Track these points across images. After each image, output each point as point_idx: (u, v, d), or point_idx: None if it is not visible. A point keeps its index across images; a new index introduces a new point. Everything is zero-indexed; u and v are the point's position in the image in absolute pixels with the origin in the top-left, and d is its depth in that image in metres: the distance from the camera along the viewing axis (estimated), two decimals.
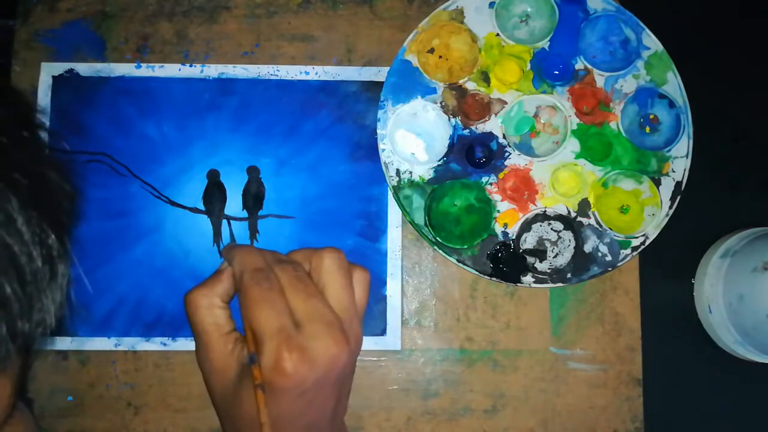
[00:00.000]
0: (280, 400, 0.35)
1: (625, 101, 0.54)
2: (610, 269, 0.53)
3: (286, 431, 0.37)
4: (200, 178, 0.55)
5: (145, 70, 0.56)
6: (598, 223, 0.53)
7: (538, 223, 0.53)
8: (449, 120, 0.54)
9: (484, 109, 0.54)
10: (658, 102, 0.55)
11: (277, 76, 0.56)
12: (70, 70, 0.56)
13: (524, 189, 0.54)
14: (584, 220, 0.53)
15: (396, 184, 0.53)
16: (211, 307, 0.39)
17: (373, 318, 0.53)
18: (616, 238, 0.53)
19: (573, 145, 0.54)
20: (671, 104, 0.54)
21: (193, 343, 0.42)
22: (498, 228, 0.53)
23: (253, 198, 0.55)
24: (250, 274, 0.37)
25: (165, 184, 0.55)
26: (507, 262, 0.53)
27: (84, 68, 0.56)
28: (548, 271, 0.53)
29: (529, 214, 0.53)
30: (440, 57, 0.55)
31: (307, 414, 0.37)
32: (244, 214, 0.55)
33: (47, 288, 0.26)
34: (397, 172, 0.53)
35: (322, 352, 0.35)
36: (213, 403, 0.40)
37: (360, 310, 0.40)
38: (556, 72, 0.55)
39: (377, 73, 0.56)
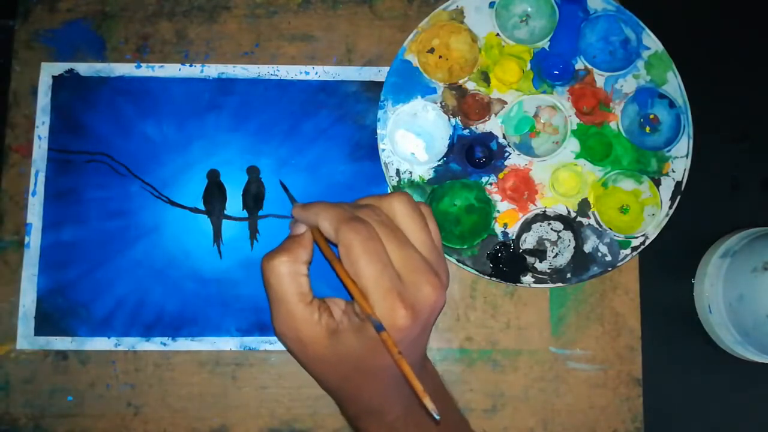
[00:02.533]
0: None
1: (625, 101, 0.54)
2: (610, 269, 0.53)
3: (388, 375, 0.38)
4: (200, 178, 0.55)
5: (145, 70, 0.56)
6: (598, 223, 0.53)
7: (538, 223, 0.53)
8: (449, 120, 0.54)
9: (484, 109, 0.54)
10: (658, 102, 0.55)
11: (277, 76, 0.56)
12: (70, 70, 0.56)
13: (524, 189, 0.54)
14: (584, 220, 0.53)
15: (396, 184, 0.53)
16: (295, 275, 0.38)
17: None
18: (616, 238, 0.53)
19: (573, 145, 0.54)
20: (671, 104, 0.54)
21: (194, 343, 0.41)
22: (498, 228, 0.53)
23: (253, 198, 0.55)
24: (347, 226, 0.36)
25: (165, 184, 0.55)
26: (507, 262, 0.53)
27: (84, 68, 0.56)
28: (548, 271, 0.53)
29: (529, 214, 0.53)
30: (440, 57, 0.55)
31: (414, 349, 0.38)
32: (244, 214, 0.55)
33: None
34: (397, 172, 0.53)
35: (426, 301, 0.36)
36: (307, 368, 0.40)
37: (438, 244, 0.40)
38: (556, 72, 0.55)
39: (377, 73, 0.56)
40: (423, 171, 0.53)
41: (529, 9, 0.56)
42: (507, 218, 0.53)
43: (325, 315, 0.38)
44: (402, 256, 0.36)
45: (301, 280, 0.38)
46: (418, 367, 0.40)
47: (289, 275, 0.38)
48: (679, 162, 0.54)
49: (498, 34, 0.55)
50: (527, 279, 0.52)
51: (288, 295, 0.38)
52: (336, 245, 0.38)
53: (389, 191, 0.54)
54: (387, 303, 0.35)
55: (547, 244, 0.53)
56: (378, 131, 0.54)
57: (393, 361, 0.35)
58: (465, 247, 0.52)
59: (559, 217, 0.53)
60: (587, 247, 0.53)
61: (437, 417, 0.34)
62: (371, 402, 0.39)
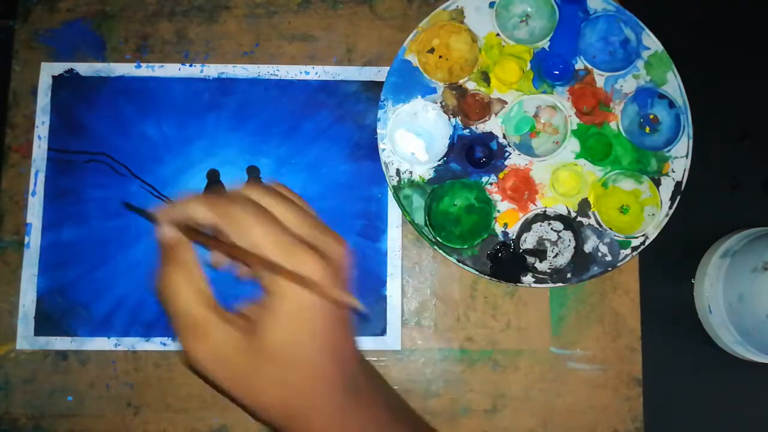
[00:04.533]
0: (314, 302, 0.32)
1: (625, 101, 0.54)
2: (610, 269, 0.53)
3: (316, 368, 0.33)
4: (200, 178, 0.55)
5: (145, 70, 0.56)
6: (598, 223, 0.53)
7: (538, 223, 0.53)
8: (449, 120, 0.54)
9: (484, 109, 0.54)
10: (658, 102, 0.55)
11: (277, 75, 0.56)
12: (70, 70, 0.56)
13: (524, 189, 0.54)
14: (584, 220, 0.53)
15: (396, 184, 0.53)
16: (197, 285, 0.33)
17: (373, 318, 0.53)
18: (616, 238, 0.53)
19: (573, 145, 0.54)
20: (671, 104, 0.54)
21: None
22: (498, 228, 0.53)
23: None
24: (224, 205, 0.33)
25: (165, 184, 0.55)
26: (507, 262, 0.53)
27: (84, 68, 0.56)
28: (548, 271, 0.53)
29: (529, 214, 0.53)
30: (440, 57, 0.55)
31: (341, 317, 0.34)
32: None
33: None
34: (397, 172, 0.53)
35: (332, 252, 0.33)
36: (232, 391, 0.34)
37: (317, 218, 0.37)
38: (556, 72, 0.55)
39: (377, 73, 0.56)
40: (423, 171, 0.53)
41: (529, 9, 0.56)
42: (507, 218, 0.53)
43: (231, 317, 0.34)
44: (294, 215, 0.34)
45: (201, 286, 0.33)
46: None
47: (191, 288, 0.33)
48: (679, 162, 0.54)
49: (498, 34, 0.55)
50: (527, 279, 0.52)
51: (195, 308, 0.33)
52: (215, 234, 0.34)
53: (389, 191, 0.54)
54: (289, 251, 0.32)
55: (547, 244, 0.53)
56: (378, 131, 0.54)
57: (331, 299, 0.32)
58: (465, 247, 0.52)
59: (559, 217, 0.53)
60: (587, 247, 0.53)
61: (364, 310, 0.32)
62: (296, 405, 0.34)
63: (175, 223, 0.35)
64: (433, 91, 0.54)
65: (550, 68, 0.55)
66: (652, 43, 0.55)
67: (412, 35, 0.54)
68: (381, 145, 0.53)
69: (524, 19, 0.56)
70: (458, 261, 0.52)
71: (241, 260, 0.34)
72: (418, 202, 0.53)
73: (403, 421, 0.41)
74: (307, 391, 0.34)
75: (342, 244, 0.35)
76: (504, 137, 0.54)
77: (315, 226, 0.35)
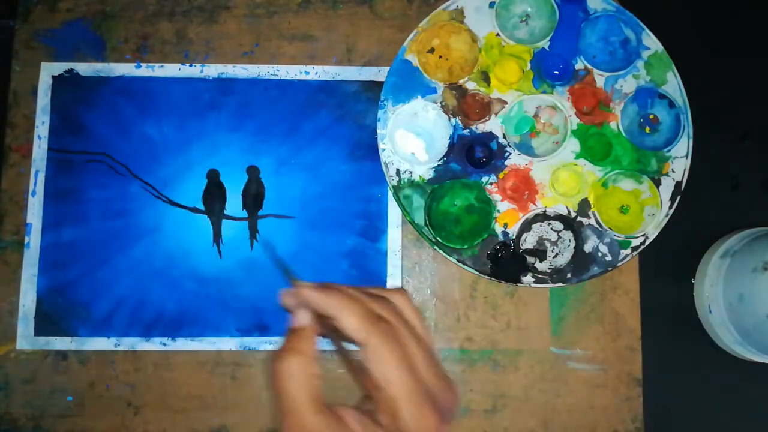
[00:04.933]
0: None
1: (625, 101, 0.54)
2: (610, 269, 0.53)
3: None
4: (200, 178, 0.55)
5: (145, 70, 0.56)
6: (598, 223, 0.53)
7: (538, 223, 0.53)
8: (449, 120, 0.54)
9: (484, 109, 0.54)
10: (658, 102, 0.55)
11: (277, 75, 0.56)
12: (70, 70, 0.56)
13: (524, 189, 0.54)
14: (584, 220, 0.53)
15: (396, 184, 0.53)
16: (309, 378, 0.34)
17: None
18: (616, 238, 0.53)
19: (573, 145, 0.54)
20: (671, 104, 0.54)
21: (194, 343, 0.40)
22: (498, 228, 0.53)
23: (253, 198, 0.55)
24: (375, 328, 0.34)
25: (165, 184, 0.55)
26: (507, 262, 0.53)
27: (84, 68, 0.56)
28: (548, 271, 0.53)
29: (529, 214, 0.53)
30: (440, 57, 0.55)
31: None
32: (244, 214, 0.55)
33: None
34: (397, 172, 0.53)
35: (450, 409, 0.35)
36: None
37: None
38: (556, 72, 0.55)
39: (377, 73, 0.56)
40: (423, 171, 0.53)
41: (529, 9, 0.56)
42: (507, 218, 0.53)
43: (338, 427, 0.34)
44: (424, 358, 0.35)
45: (314, 383, 0.34)
46: None
47: (303, 379, 0.34)
48: (679, 162, 0.54)
49: (498, 34, 0.55)
50: (527, 279, 0.52)
51: (300, 403, 0.34)
52: (351, 341, 0.35)
53: (389, 191, 0.54)
54: (416, 405, 0.33)
55: (547, 244, 0.53)
56: (378, 131, 0.54)
57: None
58: (465, 247, 0.52)
59: (559, 217, 0.53)
60: (587, 247, 0.53)
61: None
62: None
63: (312, 311, 0.36)
64: (433, 91, 0.54)
65: (550, 68, 0.55)
66: (652, 43, 0.55)
67: (412, 35, 0.54)
68: (381, 145, 0.53)
69: (524, 19, 0.56)
70: (458, 261, 0.52)
71: (360, 378, 0.35)
72: (418, 202, 0.53)
73: None
74: None
75: (455, 393, 0.36)
76: (504, 137, 0.54)
77: (437, 372, 0.35)
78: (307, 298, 0.36)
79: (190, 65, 0.56)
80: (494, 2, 0.55)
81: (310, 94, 0.56)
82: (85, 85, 0.56)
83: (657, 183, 0.53)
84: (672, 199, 0.53)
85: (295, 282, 0.37)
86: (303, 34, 0.57)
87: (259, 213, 0.54)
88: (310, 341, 0.36)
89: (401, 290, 0.37)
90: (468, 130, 0.54)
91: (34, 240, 0.53)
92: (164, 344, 0.53)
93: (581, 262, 0.53)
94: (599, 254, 0.53)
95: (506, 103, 0.54)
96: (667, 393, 0.54)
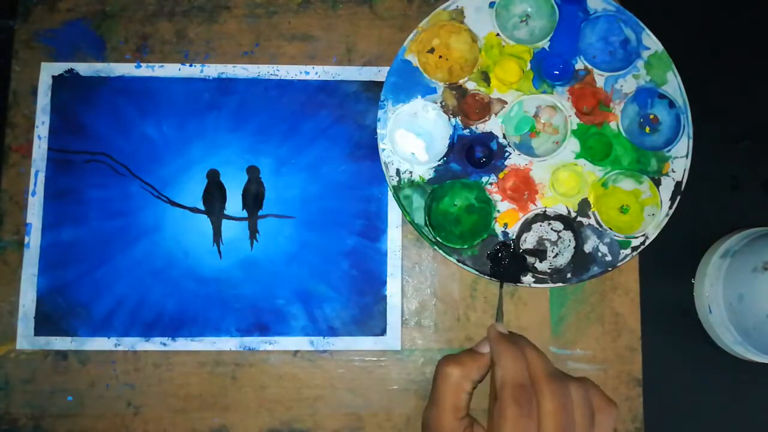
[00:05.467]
0: None
1: (625, 101, 0.54)
2: (610, 269, 0.53)
3: None
4: (200, 178, 0.55)
5: (145, 70, 0.56)
6: (598, 223, 0.53)
7: (538, 223, 0.53)
8: (449, 120, 0.54)
9: (484, 109, 0.54)
10: (658, 102, 0.55)
11: (276, 75, 0.56)
12: (70, 70, 0.56)
13: (524, 189, 0.54)
14: (584, 220, 0.53)
15: (396, 184, 0.53)
16: (459, 389, 0.41)
17: (373, 318, 0.53)
18: (616, 238, 0.53)
19: (573, 145, 0.54)
20: (671, 104, 0.54)
21: (194, 343, 0.42)
22: (498, 228, 0.53)
23: (253, 198, 0.55)
24: (511, 395, 0.38)
25: (165, 184, 0.55)
26: (507, 262, 0.53)
27: (84, 68, 0.56)
28: (548, 271, 0.53)
29: (529, 214, 0.53)
30: (440, 57, 0.55)
31: None
32: (244, 214, 0.55)
33: None
34: (397, 172, 0.53)
35: None
36: None
37: None
38: (556, 72, 0.55)
39: (377, 73, 0.56)
40: (423, 171, 0.53)
41: (529, 9, 0.56)
42: (507, 218, 0.53)
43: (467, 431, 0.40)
44: None
45: (462, 395, 0.41)
46: None
47: (454, 387, 0.40)
48: (679, 162, 0.54)
49: (498, 34, 0.55)
50: (527, 279, 0.52)
51: (445, 402, 0.40)
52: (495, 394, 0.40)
53: (389, 191, 0.54)
54: None
55: (547, 244, 0.53)
56: (378, 131, 0.54)
57: None
58: (465, 247, 0.52)
59: (559, 217, 0.53)
60: (587, 247, 0.53)
61: None
62: None
63: (482, 372, 0.42)
64: (433, 91, 0.54)
65: (550, 68, 0.55)
66: (652, 43, 0.55)
67: (412, 35, 0.54)
68: (381, 145, 0.53)
69: (524, 19, 0.56)
70: (458, 261, 0.52)
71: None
72: (418, 202, 0.53)
73: None
74: None
75: None
76: (504, 137, 0.54)
77: None
78: (489, 334, 0.43)
79: (190, 65, 0.56)
80: (494, 2, 0.55)
81: (310, 94, 0.56)
82: (85, 85, 0.56)
83: (657, 183, 0.53)
84: (672, 199, 0.53)
85: (499, 319, 0.46)
86: (303, 34, 0.57)
87: (259, 213, 0.55)
88: (476, 363, 0.41)
89: (613, 407, 0.39)
90: (468, 130, 0.54)
91: (34, 240, 0.53)
92: (164, 344, 0.53)
93: (581, 262, 0.53)
94: (599, 254, 0.53)
95: (506, 103, 0.54)
96: (667, 393, 0.54)
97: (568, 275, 0.53)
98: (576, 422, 0.38)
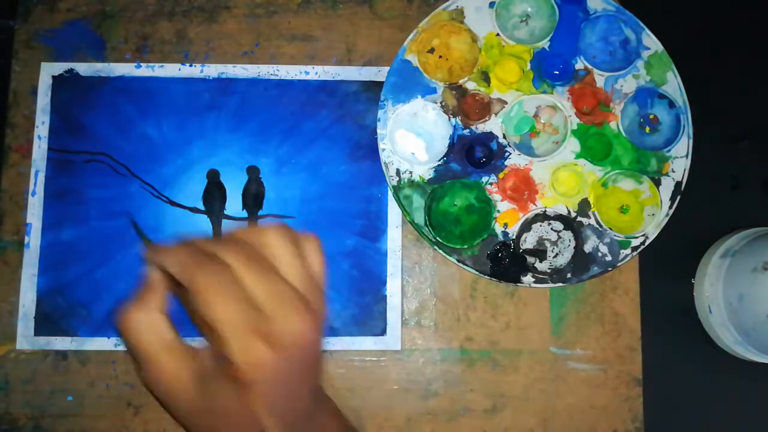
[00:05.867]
0: (259, 389, 0.34)
1: (625, 101, 0.54)
2: (610, 269, 0.53)
3: (273, 415, 0.35)
4: (200, 178, 0.55)
5: (145, 70, 0.56)
6: (598, 223, 0.53)
7: (538, 223, 0.53)
8: (449, 120, 0.54)
9: (484, 109, 0.54)
10: (658, 102, 0.55)
11: (277, 75, 0.56)
12: (70, 70, 0.56)
13: (524, 189, 0.54)
14: (584, 220, 0.53)
15: (396, 184, 0.53)
16: (152, 323, 0.36)
17: (373, 318, 0.53)
18: (616, 238, 0.53)
19: (573, 145, 0.54)
20: (671, 104, 0.54)
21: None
22: (498, 228, 0.53)
23: (253, 198, 0.55)
24: (197, 269, 0.34)
25: (165, 184, 0.55)
26: (507, 262, 0.53)
27: (84, 68, 0.56)
28: (548, 271, 0.53)
29: (529, 214, 0.53)
30: (440, 57, 0.55)
31: (289, 393, 0.36)
32: (244, 214, 0.55)
33: None
34: (397, 172, 0.53)
35: (290, 332, 0.34)
36: (179, 421, 0.37)
37: (319, 277, 0.37)
38: (556, 72, 0.55)
39: (377, 73, 0.56)
40: (423, 171, 0.53)
41: (529, 9, 0.56)
42: (507, 218, 0.53)
43: (193, 362, 0.36)
44: (263, 285, 0.34)
45: (159, 328, 0.35)
46: (301, 414, 0.37)
47: (147, 325, 0.35)
48: (679, 162, 0.54)
49: (498, 34, 0.55)
50: (527, 279, 0.52)
51: (149, 347, 0.35)
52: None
53: (389, 191, 0.54)
54: (241, 338, 0.33)
55: (547, 244, 0.53)
56: (378, 131, 0.54)
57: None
58: (465, 247, 0.52)
59: (559, 217, 0.53)
60: (587, 247, 0.53)
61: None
62: None
63: (158, 266, 0.36)
64: (433, 91, 0.54)
65: (550, 68, 0.55)
66: (652, 43, 0.55)
67: (412, 35, 0.54)
68: (381, 145, 0.53)
69: (524, 19, 0.56)
70: (458, 261, 0.52)
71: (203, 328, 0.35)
72: (418, 202, 0.53)
73: None
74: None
75: (307, 310, 0.35)
76: (504, 137, 0.54)
77: (283, 297, 0.34)
78: (149, 257, 0.37)
79: (190, 65, 0.56)
80: (494, 2, 0.55)
81: (310, 94, 0.56)
82: (85, 85, 0.56)
83: (657, 183, 0.53)
84: (672, 199, 0.53)
85: (150, 245, 0.37)
86: (303, 34, 0.57)
87: (259, 213, 0.55)
88: (152, 291, 0.36)
89: (273, 225, 0.36)
90: (468, 130, 0.54)
91: (34, 240, 0.53)
92: None
93: (581, 262, 0.53)
94: (599, 254, 0.53)
95: (506, 103, 0.54)
96: (667, 393, 0.54)
97: (568, 275, 0.53)
98: (278, 254, 0.35)
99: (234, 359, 0.32)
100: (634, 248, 0.53)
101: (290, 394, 0.36)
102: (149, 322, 0.35)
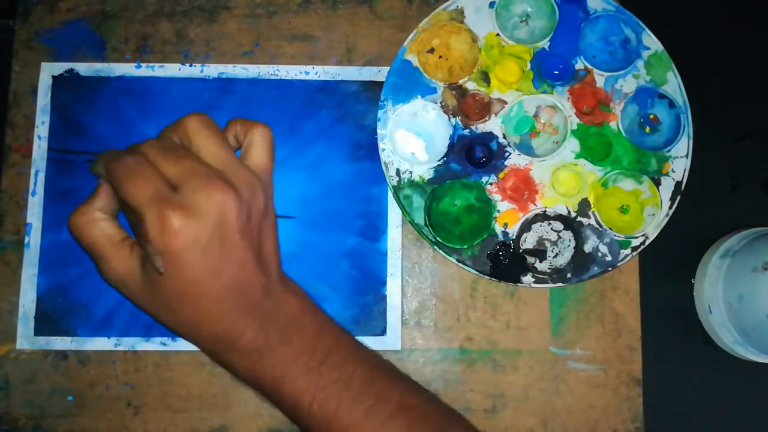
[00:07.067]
0: (184, 262, 0.35)
1: (625, 101, 0.54)
2: (610, 269, 0.53)
3: (212, 296, 0.37)
4: None
5: (145, 70, 0.56)
6: (598, 223, 0.53)
7: (538, 223, 0.53)
8: (449, 120, 0.54)
9: (484, 109, 0.54)
10: (658, 102, 0.55)
11: (277, 75, 0.56)
12: (70, 70, 0.56)
13: (524, 189, 0.54)
14: (584, 220, 0.53)
15: (396, 184, 0.53)
16: (94, 222, 0.39)
17: (373, 318, 0.53)
18: (616, 238, 0.53)
19: (573, 145, 0.54)
20: (671, 104, 0.54)
21: (193, 345, 0.41)
22: (498, 228, 0.53)
23: None
24: (114, 162, 0.37)
25: None
26: (507, 262, 0.53)
27: (84, 68, 0.56)
28: (548, 271, 0.53)
29: (529, 214, 0.53)
30: (440, 57, 0.55)
31: (225, 270, 0.37)
32: None
33: None
34: (397, 171, 0.53)
35: (205, 202, 0.35)
36: (144, 310, 0.40)
37: (262, 164, 0.40)
38: (556, 72, 0.55)
39: (377, 73, 0.56)
40: (423, 171, 0.53)
41: (529, 9, 0.56)
42: (507, 218, 0.53)
43: (136, 248, 0.39)
44: (179, 168, 0.36)
45: (102, 224, 0.39)
46: (255, 287, 0.38)
47: (89, 223, 0.38)
48: (679, 162, 0.54)
49: (498, 34, 0.55)
50: (527, 279, 0.52)
51: (94, 240, 0.38)
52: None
53: (389, 191, 0.54)
54: (152, 209, 0.34)
55: (547, 244, 0.53)
56: (378, 131, 0.54)
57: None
58: (465, 247, 0.52)
59: (559, 217, 0.53)
60: (587, 247, 0.53)
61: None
62: (214, 330, 0.38)
63: (96, 174, 0.41)
64: (433, 91, 0.54)
65: (550, 68, 0.55)
66: (652, 43, 0.55)
67: (412, 35, 0.54)
68: (381, 145, 0.53)
69: (524, 19, 0.56)
70: (458, 261, 0.52)
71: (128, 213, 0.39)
72: (418, 202, 0.53)
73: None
74: (216, 318, 0.38)
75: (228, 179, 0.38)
76: (504, 137, 0.54)
77: (197, 171, 0.37)
78: (90, 168, 0.41)
79: (190, 65, 0.56)
80: (494, 2, 0.55)
81: (310, 94, 0.56)
82: (85, 85, 0.56)
83: (657, 183, 0.53)
84: (672, 199, 0.53)
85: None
86: (303, 34, 0.57)
87: None
88: (95, 195, 0.39)
89: (191, 114, 0.39)
90: (468, 130, 0.54)
91: (34, 240, 0.53)
92: (164, 344, 0.53)
93: (581, 262, 0.53)
94: (599, 254, 0.53)
95: (506, 103, 0.54)
96: (667, 393, 0.54)
97: (568, 275, 0.53)
98: (196, 139, 0.38)
99: (150, 233, 0.35)
100: (634, 248, 0.53)
101: (226, 260, 0.36)
102: (92, 221, 0.39)
